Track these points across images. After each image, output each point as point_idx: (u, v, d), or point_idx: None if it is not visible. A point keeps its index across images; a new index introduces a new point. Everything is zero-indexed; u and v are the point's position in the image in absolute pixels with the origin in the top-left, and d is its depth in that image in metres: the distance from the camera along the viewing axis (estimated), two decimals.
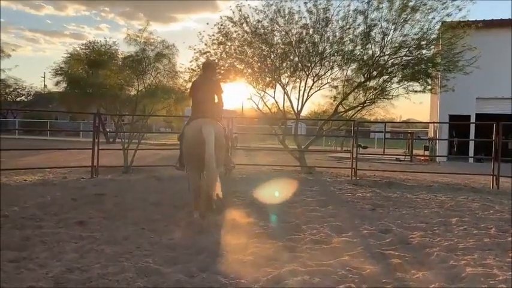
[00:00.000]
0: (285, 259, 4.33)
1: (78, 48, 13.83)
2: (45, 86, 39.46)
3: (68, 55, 13.29)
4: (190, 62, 12.97)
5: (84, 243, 4.69)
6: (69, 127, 37.55)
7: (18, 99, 47.60)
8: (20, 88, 47.11)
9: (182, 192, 7.97)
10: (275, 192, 8.44)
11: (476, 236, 5.41)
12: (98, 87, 11.63)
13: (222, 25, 12.54)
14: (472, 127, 20.38)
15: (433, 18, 11.90)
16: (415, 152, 21.85)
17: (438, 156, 20.76)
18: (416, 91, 12.68)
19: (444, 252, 4.64)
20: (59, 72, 14.89)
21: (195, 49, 12.80)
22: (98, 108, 13.92)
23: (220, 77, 12.66)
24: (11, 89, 46.41)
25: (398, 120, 37.84)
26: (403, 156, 20.41)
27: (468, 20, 12.29)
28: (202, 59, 12.82)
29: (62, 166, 11.90)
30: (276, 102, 13.48)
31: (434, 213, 6.88)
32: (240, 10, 12.39)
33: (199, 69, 12.80)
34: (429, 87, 12.82)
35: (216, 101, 6.10)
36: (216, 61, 12.68)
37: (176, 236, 5.11)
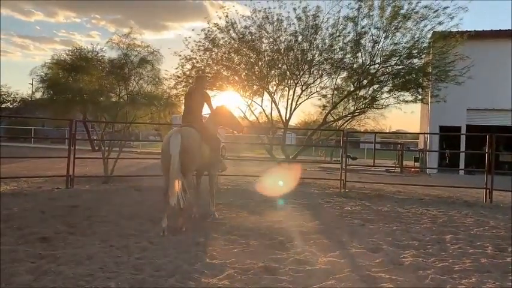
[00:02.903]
0: (264, 283, 3.90)
1: (64, 54, 13.31)
2: (32, 92, 38.63)
3: (49, 60, 12.83)
4: (176, 68, 12.57)
5: (42, 263, 4.22)
6: (55, 134, 36.76)
7: (3, 105, 46.58)
8: (5, 94, 46.13)
9: (160, 204, 7.55)
10: (260, 205, 8.03)
11: (472, 255, 5.03)
12: (79, 93, 11.12)
13: (208, 31, 12.16)
14: (463, 138, 20.19)
15: (425, 26, 11.66)
16: (405, 163, 21.58)
17: (429, 168, 20.50)
18: (407, 101, 12.38)
19: (439, 275, 4.24)
20: (44, 78, 14.37)
21: (180, 55, 12.42)
22: (78, 114, 13.42)
23: (206, 84, 12.28)
24: None
25: (388, 131, 37.73)
26: (393, 168, 20.12)
27: (458, 31, 12.08)
28: (188, 66, 12.45)
29: (37, 175, 11.32)
30: (264, 110, 13.10)
31: (427, 230, 6.49)
32: (227, 16, 12.05)
33: (184, 76, 12.40)
34: (420, 97, 12.53)
35: (208, 108, 6.80)
36: (202, 68, 12.29)
37: (146, 254, 4.64)
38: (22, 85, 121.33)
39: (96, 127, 13.46)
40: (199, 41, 12.27)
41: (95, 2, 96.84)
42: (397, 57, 11.81)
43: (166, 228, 5.60)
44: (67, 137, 10.48)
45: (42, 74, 13.82)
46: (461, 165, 20.10)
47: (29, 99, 41.85)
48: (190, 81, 11.92)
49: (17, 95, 46.82)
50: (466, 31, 12.84)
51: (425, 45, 12.01)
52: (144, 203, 7.85)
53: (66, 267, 4.13)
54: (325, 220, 6.97)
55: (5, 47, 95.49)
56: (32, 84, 34.84)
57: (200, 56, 12.38)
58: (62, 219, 6.21)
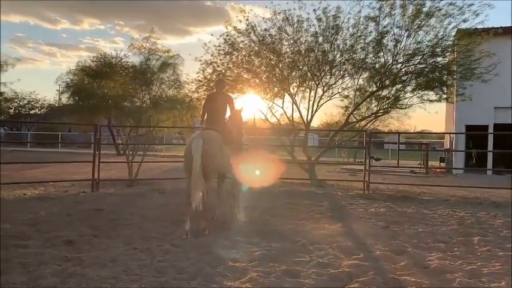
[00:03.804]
0: (287, 287, 3.87)
1: (89, 60, 13.55)
2: (59, 98, 39.61)
3: (75, 67, 13.11)
4: (197, 73, 12.67)
5: (68, 266, 4.30)
6: (81, 139, 37.54)
7: (32, 112, 47.92)
8: (33, 101, 47.46)
9: (183, 207, 7.61)
10: (282, 207, 8.01)
11: (502, 258, 4.88)
12: (103, 98, 11.33)
13: (228, 35, 12.21)
14: (491, 138, 19.63)
15: (449, 24, 11.40)
16: (430, 163, 21.14)
17: (455, 168, 20.03)
18: (431, 100, 12.13)
19: (467, 279, 4.13)
20: (70, 84, 14.68)
21: (201, 60, 12.51)
22: (103, 119, 13.67)
23: (227, 87, 12.34)
24: (25, 102, 46.77)
25: (412, 131, 37.06)
26: (418, 168, 19.74)
27: (484, 28, 11.78)
28: (209, 70, 12.53)
29: (64, 180, 11.57)
30: (285, 112, 13.05)
31: (454, 231, 6.34)
32: (247, 19, 12.07)
33: (206, 80, 12.48)
34: (445, 96, 12.27)
35: (229, 110, 6.83)
36: (223, 71, 12.34)
37: (169, 257, 4.67)
38: (49, 92, 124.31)
39: (120, 132, 13.62)
40: (219, 45, 12.35)
41: (118, 9, 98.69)
42: (420, 56, 11.61)
43: (189, 230, 5.63)
44: (92, 141, 10.65)
45: (67, 80, 14.15)
46: (489, 165, 19.53)
47: (56, 105, 42.93)
48: (212, 84, 12.00)
49: (45, 101, 48.13)
50: (492, 28, 12.54)
51: (449, 43, 11.76)
52: (167, 206, 7.92)
53: (91, 269, 4.19)
54: (349, 222, 6.88)
55: (34, 55, 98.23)
56: (58, 90, 35.67)
57: (220, 59, 12.45)
58: (86, 223, 6.32)
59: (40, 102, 47.89)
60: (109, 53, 13.36)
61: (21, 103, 46.20)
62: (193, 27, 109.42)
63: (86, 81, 11.81)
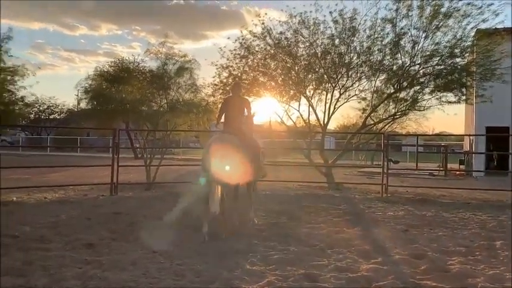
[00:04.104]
0: None
1: (107, 65, 13.75)
2: (78, 103, 40.31)
3: (93, 72, 13.33)
4: (213, 77, 12.72)
5: (88, 269, 4.36)
6: (99, 143, 38.07)
7: (51, 116, 48.82)
8: (53, 106, 48.32)
9: (201, 210, 7.63)
10: (299, 210, 7.98)
11: None
12: (121, 103, 11.49)
13: (243, 39, 12.25)
14: None
15: (468, 24, 11.22)
16: (449, 166, 20.81)
17: (475, 170, 19.66)
18: (450, 102, 11.95)
19: (490, 284, 4.04)
20: (88, 89, 14.92)
21: (216, 65, 12.58)
22: (121, 123, 13.85)
23: (243, 91, 12.37)
24: (45, 107, 47.64)
25: (431, 133, 36.55)
26: (437, 171, 19.45)
27: (505, 28, 11.57)
28: (225, 74, 12.57)
29: (83, 183, 11.74)
30: (301, 115, 13.01)
31: (475, 235, 6.22)
32: (263, 23, 12.08)
33: (222, 84, 12.53)
34: (464, 97, 12.07)
35: (246, 114, 6.87)
36: (239, 75, 12.37)
37: (187, 261, 4.69)
38: (68, 97, 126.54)
39: (138, 135, 13.79)
40: (235, 49, 12.39)
41: (135, 14, 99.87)
42: (439, 57, 11.45)
43: (207, 234, 5.65)
44: (111, 145, 10.80)
45: (86, 85, 14.38)
46: (511, 167, 19.14)
47: (75, 110, 43.65)
48: (228, 88, 12.05)
49: (64, 106, 48.96)
50: None
51: (468, 43, 11.58)
52: (184, 209, 7.94)
53: (111, 273, 4.23)
54: (367, 226, 6.82)
55: (53, 61, 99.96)
56: (77, 95, 36.26)
57: (236, 63, 12.48)
58: (106, 226, 6.40)
59: (59, 107, 48.78)
60: (126, 58, 13.55)
61: (41, 108, 47.09)
62: (209, 31, 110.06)
63: (104, 86, 11.99)
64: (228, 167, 5.83)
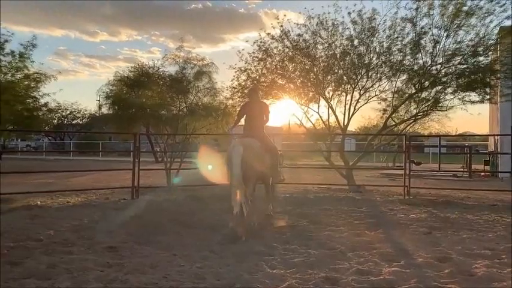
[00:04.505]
0: None
1: (127, 71, 13.89)
2: (99, 108, 41.03)
3: (113, 78, 13.50)
4: (232, 80, 12.76)
5: (110, 272, 4.40)
6: (121, 148, 38.63)
7: (74, 122, 49.86)
8: (75, 111, 49.33)
9: (220, 213, 7.67)
10: (319, 213, 7.92)
11: None
12: (141, 107, 11.63)
13: (261, 42, 12.26)
14: None
15: (491, 22, 10.99)
16: (474, 167, 20.36)
17: (500, 171, 19.18)
18: (473, 101, 11.69)
19: None
20: (109, 95, 15.12)
21: (234, 68, 12.61)
22: (142, 128, 14.01)
23: (262, 93, 12.38)
24: (68, 113, 48.69)
25: (454, 134, 35.87)
26: (461, 172, 19.05)
27: None
28: (243, 77, 12.59)
29: (105, 187, 11.93)
30: (320, 117, 12.92)
31: (501, 238, 6.05)
32: (281, 26, 12.08)
33: (240, 87, 12.55)
34: (488, 96, 11.79)
35: (264, 118, 7.03)
36: (257, 78, 12.38)
37: (207, 263, 4.70)
38: (90, 102, 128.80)
39: (158, 139, 13.96)
40: (253, 52, 12.41)
41: (154, 19, 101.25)
42: (461, 56, 11.24)
43: (229, 236, 5.76)
44: (132, 150, 10.94)
45: (107, 90, 14.56)
46: None
47: (97, 115, 44.45)
48: (246, 91, 12.09)
49: (86, 111, 49.93)
50: None
51: (491, 41, 11.33)
52: (204, 212, 7.99)
53: (132, 276, 4.26)
54: (389, 228, 6.70)
55: (74, 67, 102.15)
56: (98, 100, 36.90)
57: (255, 66, 12.49)
58: (127, 229, 6.46)
59: (81, 113, 49.77)
60: (146, 63, 13.65)
61: (63, 113, 48.13)
62: (227, 34, 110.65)
63: (124, 91, 12.16)
64: (249, 170, 5.99)
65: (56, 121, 46.68)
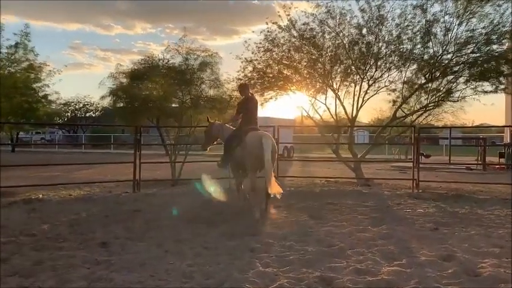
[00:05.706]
0: None
1: (137, 63, 13.61)
2: (110, 101, 41.17)
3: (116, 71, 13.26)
4: (238, 71, 12.50)
5: (96, 270, 4.25)
6: (132, 140, 38.73)
7: (87, 115, 50.17)
8: (88, 104, 49.60)
9: (221, 207, 7.51)
10: (321, 208, 7.69)
11: None
12: (144, 100, 11.44)
13: (268, 31, 11.96)
14: None
15: (506, 9, 10.52)
16: (489, 159, 19.83)
17: None
18: (486, 91, 11.25)
19: None
20: (113, 87, 14.93)
21: (240, 58, 12.34)
22: (148, 120, 13.84)
23: (268, 85, 12.14)
24: (81, 106, 49.01)
25: (470, 125, 35.09)
26: (475, 165, 18.57)
27: None
28: (250, 68, 12.32)
29: (109, 180, 11.85)
30: (328, 108, 12.59)
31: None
32: (289, 15, 11.75)
33: (246, 78, 12.29)
34: (502, 86, 11.34)
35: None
36: (264, 69, 12.10)
37: (198, 261, 4.51)
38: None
39: (163, 132, 13.81)
40: (260, 42, 12.12)
41: (168, 12, 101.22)
42: (474, 45, 10.80)
43: (260, 216, 6.56)
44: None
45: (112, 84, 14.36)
46: None
47: (110, 107, 44.65)
48: (252, 82, 11.85)
49: (99, 104, 50.16)
50: None
51: (506, 29, 10.85)
52: (205, 206, 7.80)
53: (118, 274, 4.11)
54: (394, 224, 6.42)
55: (90, 60, 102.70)
56: (107, 94, 36.93)
57: (261, 57, 12.20)
58: (123, 224, 6.33)
59: (94, 106, 50.01)
60: (156, 55, 13.31)
61: (77, 106, 48.45)
62: (241, 26, 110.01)
63: (127, 84, 11.97)
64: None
65: (69, 114, 47.11)
